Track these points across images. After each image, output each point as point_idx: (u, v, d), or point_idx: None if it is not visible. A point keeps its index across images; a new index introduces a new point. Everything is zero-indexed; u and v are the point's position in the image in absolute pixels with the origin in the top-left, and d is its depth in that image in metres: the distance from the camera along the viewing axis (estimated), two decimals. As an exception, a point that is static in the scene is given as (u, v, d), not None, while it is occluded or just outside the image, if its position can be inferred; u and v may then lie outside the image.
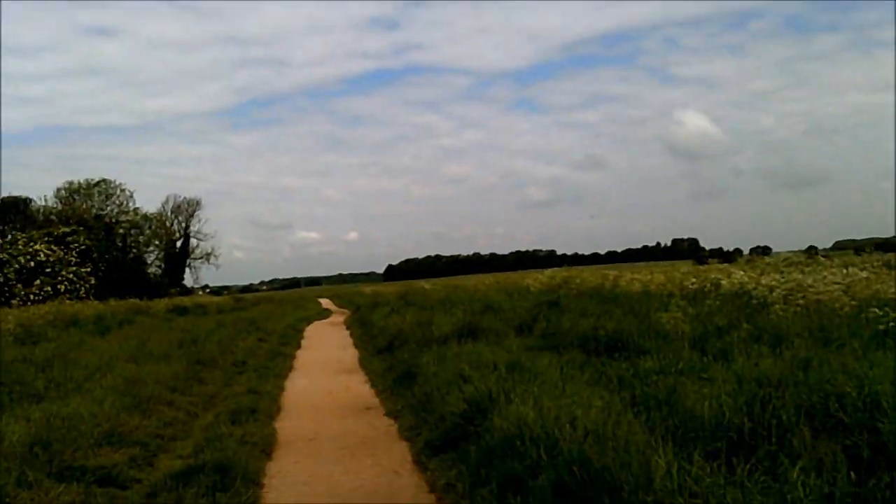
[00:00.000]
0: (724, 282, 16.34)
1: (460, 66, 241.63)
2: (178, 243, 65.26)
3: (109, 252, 49.99)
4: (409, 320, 16.08)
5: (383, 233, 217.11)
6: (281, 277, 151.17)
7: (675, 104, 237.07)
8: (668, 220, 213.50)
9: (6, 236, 44.44)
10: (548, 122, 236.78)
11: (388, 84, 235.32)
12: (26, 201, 50.84)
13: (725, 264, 23.74)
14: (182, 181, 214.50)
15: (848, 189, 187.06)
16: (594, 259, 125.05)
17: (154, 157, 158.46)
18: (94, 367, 11.49)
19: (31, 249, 37.83)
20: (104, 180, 56.58)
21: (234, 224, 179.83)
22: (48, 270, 37.95)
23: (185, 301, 39.05)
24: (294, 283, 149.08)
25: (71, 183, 55.63)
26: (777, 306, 12.08)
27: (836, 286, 12.76)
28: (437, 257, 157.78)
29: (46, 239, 40.33)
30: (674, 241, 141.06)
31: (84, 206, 54.47)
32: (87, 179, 56.18)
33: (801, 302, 12.24)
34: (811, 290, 12.87)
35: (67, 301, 32.25)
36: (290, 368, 13.74)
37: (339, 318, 32.52)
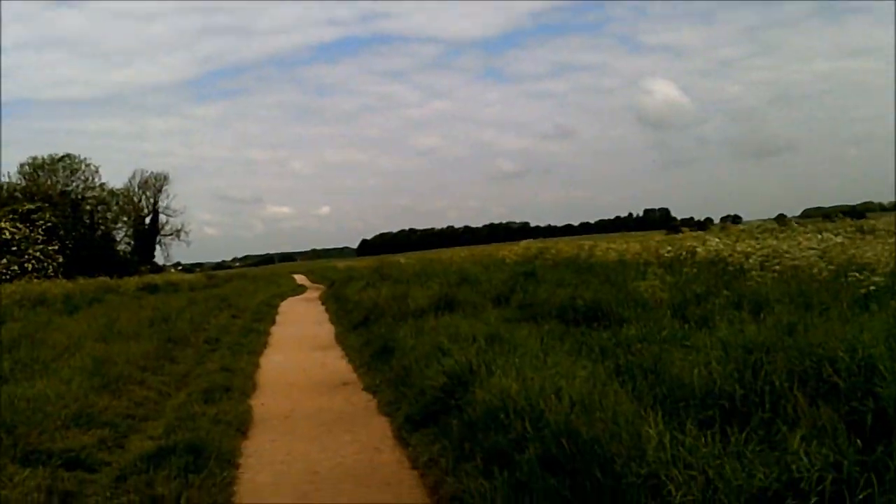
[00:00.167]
0: (699, 249, 16.33)
1: (428, 35, 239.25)
2: (147, 220, 64.24)
3: (76, 229, 49.07)
4: (385, 294, 15.87)
5: (355, 207, 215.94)
6: (254, 254, 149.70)
7: (643, 73, 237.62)
8: (639, 190, 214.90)
9: (-31, 214, 43.35)
10: (516, 91, 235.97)
11: (355, 53, 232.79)
12: (-12, 178, 49.61)
13: (700, 232, 23.75)
14: (149, 156, 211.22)
15: (815, 157, 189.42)
16: (568, 230, 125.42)
17: (119, 131, 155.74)
18: (63, 347, 11.16)
19: (-5, 227, 36.97)
20: (68, 155, 55.30)
21: (204, 199, 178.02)
22: (14, 249, 37.11)
23: (156, 279, 38.40)
24: (268, 259, 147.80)
25: (35, 158, 54.29)
26: (754, 272, 12.06)
27: (812, 251, 12.78)
28: (411, 231, 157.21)
29: (11, 216, 39.39)
30: (645, 211, 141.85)
31: (49, 183, 53.25)
32: (51, 155, 54.88)
33: (777, 268, 12.24)
34: (787, 255, 12.88)
35: (35, 280, 31.64)
36: (265, 345, 13.50)
37: (314, 293, 32.22)
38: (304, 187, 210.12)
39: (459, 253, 31.91)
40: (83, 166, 55.47)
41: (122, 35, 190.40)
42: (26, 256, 36.94)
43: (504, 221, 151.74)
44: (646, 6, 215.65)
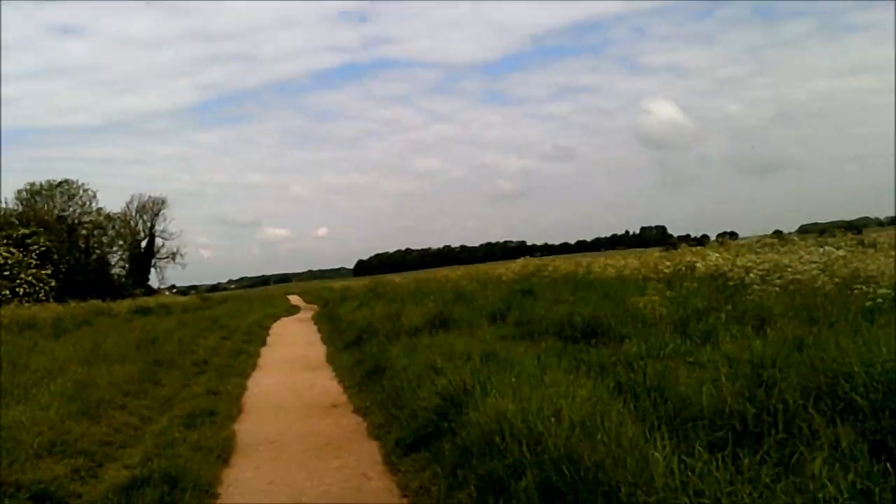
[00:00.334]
0: (699, 264, 16.06)
1: (430, 60, 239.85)
2: (143, 243, 63.96)
3: (71, 253, 48.74)
4: (379, 313, 15.55)
5: (353, 228, 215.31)
6: (250, 276, 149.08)
7: (644, 93, 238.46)
8: (637, 209, 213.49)
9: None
10: (518, 114, 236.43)
11: (357, 78, 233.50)
12: (-15, 204, 49.29)
13: (699, 247, 23.47)
14: (149, 181, 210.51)
15: (813, 174, 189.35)
16: (564, 249, 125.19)
17: (121, 157, 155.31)
18: (45, 371, 10.82)
19: (-12, 252, 36.56)
20: (66, 181, 55.30)
21: (202, 223, 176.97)
22: (6, 273, 36.68)
23: (149, 301, 38.05)
24: (263, 280, 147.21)
25: (32, 184, 54.34)
26: (756, 287, 11.80)
27: (814, 265, 12.53)
28: (408, 251, 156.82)
29: (5, 241, 39.03)
30: (642, 229, 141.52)
31: (45, 208, 53.10)
32: (48, 180, 54.90)
33: (778, 282, 11.98)
34: (789, 270, 12.64)
35: (26, 304, 31.22)
36: (254, 367, 13.14)
37: (307, 314, 31.85)
38: (303, 210, 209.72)
39: (456, 271, 31.54)
40: (81, 191, 55.49)
41: (125, 63, 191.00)
42: (18, 281, 36.47)
43: (501, 240, 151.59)
44: (646, 27, 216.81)
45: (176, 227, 75.74)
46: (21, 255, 38.42)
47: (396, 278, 35.29)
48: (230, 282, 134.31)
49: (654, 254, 24.98)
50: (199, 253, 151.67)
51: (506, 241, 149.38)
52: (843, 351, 4.72)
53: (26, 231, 41.77)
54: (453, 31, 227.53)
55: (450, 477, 4.87)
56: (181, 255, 65.30)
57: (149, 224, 64.15)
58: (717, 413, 4.26)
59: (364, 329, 14.24)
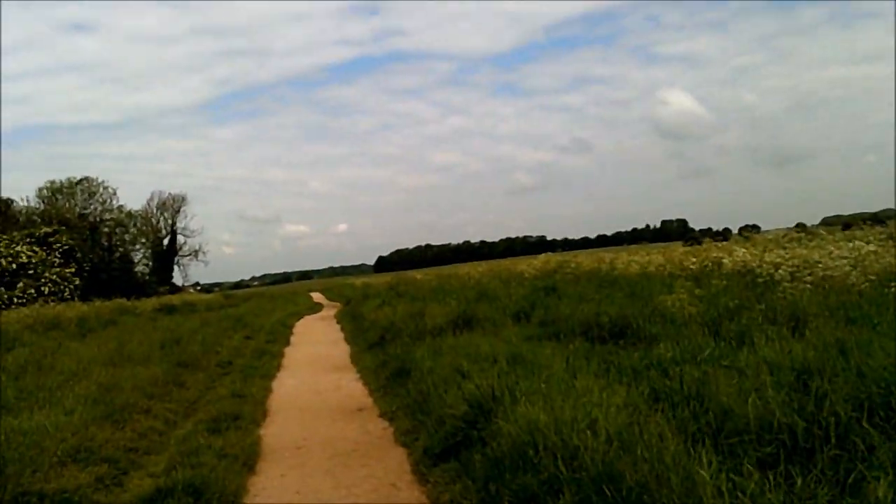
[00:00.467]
0: (725, 260, 15.80)
1: (442, 52, 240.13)
2: (165, 241, 64.34)
3: (94, 251, 49.10)
4: (401, 312, 15.42)
5: (373, 224, 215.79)
6: (272, 272, 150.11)
7: (659, 84, 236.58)
8: (657, 202, 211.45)
9: (-13, 239, 43.37)
10: (532, 105, 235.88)
11: (370, 72, 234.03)
12: (7, 202, 49.68)
13: (724, 242, 23.14)
14: (168, 177, 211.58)
15: (833, 164, 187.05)
16: (585, 243, 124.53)
17: (138, 154, 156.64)
18: (70, 373, 10.81)
19: (12, 251, 36.76)
20: (86, 178, 55.63)
21: (223, 219, 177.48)
22: (31, 272, 36.92)
23: (174, 299, 38.12)
24: (285, 277, 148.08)
25: (53, 182, 54.67)
26: (786, 284, 11.54)
27: (844, 260, 12.25)
28: (428, 247, 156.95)
29: (28, 240, 39.29)
30: (663, 222, 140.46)
31: (67, 206, 53.53)
32: (69, 178, 55.25)
33: (808, 279, 11.71)
34: (819, 265, 12.36)
35: (51, 303, 31.40)
36: (278, 367, 13.06)
37: (330, 311, 31.82)
38: (322, 206, 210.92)
39: (477, 268, 31.38)
40: (101, 189, 55.85)
41: (139, 59, 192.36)
42: (42, 280, 36.70)
43: (521, 235, 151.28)
44: (659, 17, 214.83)
45: (197, 223, 76.27)
46: (44, 253, 38.64)
47: (417, 275, 35.20)
48: (253, 278, 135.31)
49: (678, 249, 24.66)
50: (221, 250, 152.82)
51: (525, 236, 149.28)
52: (892, 357, 4.50)
53: (48, 229, 41.98)
54: (465, 22, 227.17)
55: (482, 491, 4.69)
56: (203, 252, 65.70)
57: (170, 221, 64.65)
58: (765, 426, 4.05)
59: (387, 329, 14.12)
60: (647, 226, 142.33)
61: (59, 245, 40.48)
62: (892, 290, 9.12)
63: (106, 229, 55.03)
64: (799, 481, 3.32)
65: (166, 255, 63.90)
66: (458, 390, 6.82)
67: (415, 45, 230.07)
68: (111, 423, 7.68)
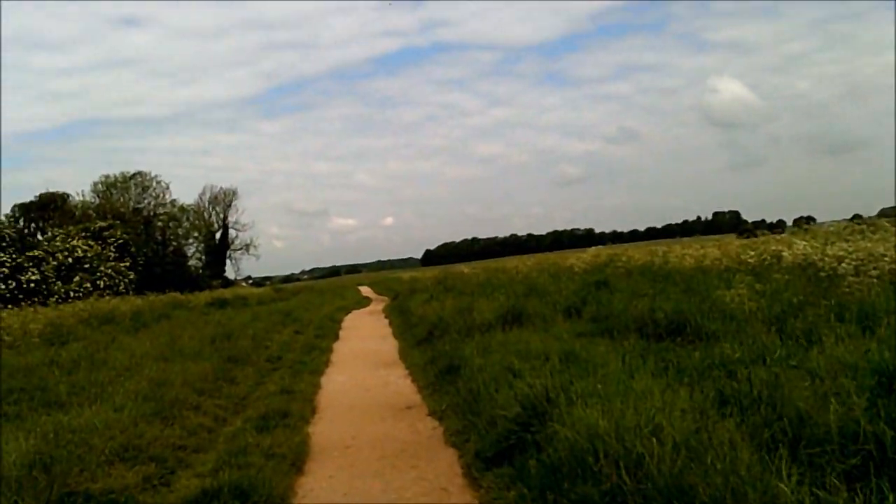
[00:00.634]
0: (785, 253, 15.22)
1: (486, 42, 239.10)
2: (217, 235, 65.27)
3: (148, 246, 50.01)
4: (449, 307, 15.23)
5: (419, 217, 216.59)
6: (322, 266, 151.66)
7: (708, 71, 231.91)
8: (707, 193, 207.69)
9: (45, 233, 44.49)
10: (578, 95, 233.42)
11: (415, 63, 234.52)
12: (64, 197, 50.92)
13: (782, 234, 22.39)
14: (217, 171, 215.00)
15: (889, 152, 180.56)
16: (634, 236, 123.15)
17: (188, 148, 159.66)
18: (123, 367, 10.90)
19: (68, 245, 37.63)
20: (140, 173, 56.71)
21: (272, 213, 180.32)
22: (87, 266, 37.72)
23: (226, 293, 38.64)
24: (334, 271, 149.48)
25: (107, 177, 55.87)
26: (850, 278, 11.03)
27: (913, 253, 11.67)
28: (475, 240, 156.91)
29: (84, 234, 40.18)
30: (714, 214, 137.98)
31: (121, 200, 54.65)
32: (122, 173, 56.40)
33: (874, 273, 11.17)
34: (885, 259, 11.80)
35: (107, 297, 32.03)
36: (327, 363, 12.98)
37: (378, 305, 31.84)
38: (369, 199, 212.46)
39: (525, 262, 30.99)
40: (154, 183, 56.91)
41: (187, 53, 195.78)
42: (98, 274, 37.49)
43: (569, 228, 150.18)
44: (708, 3, 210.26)
45: (247, 217, 77.24)
46: (100, 247, 39.48)
47: (464, 269, 34.91)
48: (303, 272, 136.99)
49: (733, 242, 23.97)
50: (271, 244, 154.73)
51: (573, 229, 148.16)
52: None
53: (103, 224, 42.88)
54: (509, 11, 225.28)
55: (538, 500, 4.44)
56: (255, 246, 66.50)
57: (222, 215, 65.52)
58: (848, 435, 3.73)
59: (435, 324, 13.94)
60: (699, 218, 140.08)
61: (113, 239, 41.32)
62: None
63: (159, 223, 56.03)
64: (891, 497, 3.02)
65: (219, 249, 64.85)
66: (509, 390, 6.59)
67: (459, 36, 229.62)
68: (160, 420, 7.65)
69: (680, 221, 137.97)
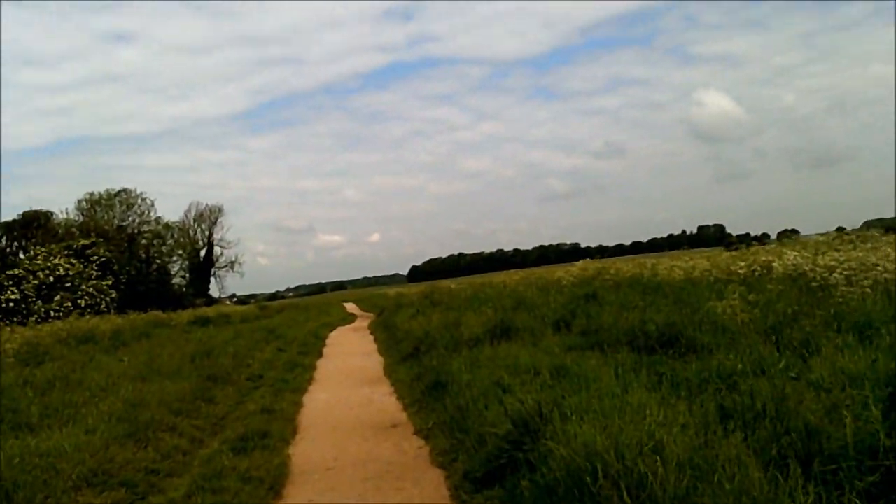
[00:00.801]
0: (776, 264, 15.07)
1: (475, 56, 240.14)
2: (202, 252, 64.70)
3: (131, 263, 49.39)
4: (436, 322, 14.94)
5: (405, 233, 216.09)
6: (307, 283, 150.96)
7: (695, 84, 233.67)
8: (692, 207, 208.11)
9: (28, 252, 43.82)
10: (566, 109, 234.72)
11: (404, 77, 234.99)
12: (47, 215, 50.19)
13: (773, 245, 22.31)
14: (204, 188, 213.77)
15: (874, 165, 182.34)
16: (620, 251, 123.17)
17: (176, 165, 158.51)
18: (98, 388, 10.51)
19: (50, 264, 37.04)
20: (125, 190, 56.14)
21: (257, 230, 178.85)
22: (68, 285, 37.15)
23: (209, 311, 38.15)
24: (320, 288, 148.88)
25: (92, 194, 55.26)
26: (843, 288, 10.88)
27: (907, 263, 11.57)
28: (461, 256, 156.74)
29: (66, 252, 39.59)
30: (699, 227, 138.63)
31: (105, 218, 54.01)
32: (107, 190, 55.78)
33: (866, 283, 11.03)
34: (878, 268, 11.68)
35: (87, 316, 31.49)
36: (310, 381, 12.63)
37: (363, 322, 31.47)
38: (355, 215, 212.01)
39: (513, 276, 30.78)
40: (139, 200, 56.31)
41: (177, 69, 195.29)
42: (79, 293, 36.91)
43: (555, 243, 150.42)
44: (696, 16, 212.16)
45: (233, 235, 76.77)
46: (81, 266, 38.90)
47: (451, 284, 34.61)
48: (288, 290, 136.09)
49: (722, 254, 23.84)
50: (256, 261, 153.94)
51: (559, 244, 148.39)
52: None
53: (86, 242, 42.26)
54: (499, 25, 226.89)
55: (533, 525, 4.17)
56: (240, 263, 65.93)
57: (207, 233, 65.01)
58: (864, 450, 3.47)
59: (421, 339, 13.63)
60: (684, 231, 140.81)
61: (96, 257, 40.76)
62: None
63: (143, 241, 55.41)
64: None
65: (203, 267, 64.24)
66: (499, 406, 6.30)
67: (448, 51, 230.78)
68: (134, 443, 7.33)
69: (665, 235, 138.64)
